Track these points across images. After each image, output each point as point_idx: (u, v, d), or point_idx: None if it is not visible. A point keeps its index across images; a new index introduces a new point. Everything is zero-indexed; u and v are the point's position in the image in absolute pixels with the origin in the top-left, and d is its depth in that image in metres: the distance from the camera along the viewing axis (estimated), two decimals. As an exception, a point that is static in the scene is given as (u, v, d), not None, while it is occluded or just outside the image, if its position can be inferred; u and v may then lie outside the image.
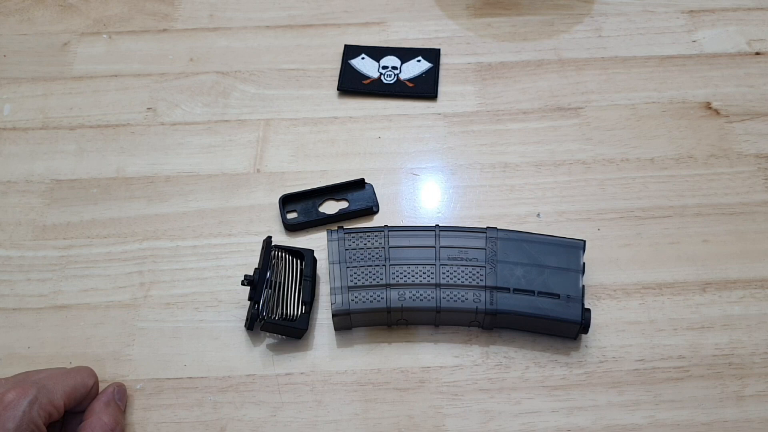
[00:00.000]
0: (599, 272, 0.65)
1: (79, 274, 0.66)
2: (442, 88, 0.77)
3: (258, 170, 0.72)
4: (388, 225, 0.63)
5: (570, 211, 0.68)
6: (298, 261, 0.64)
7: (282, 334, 0.62)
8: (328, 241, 0.63)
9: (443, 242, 0.62)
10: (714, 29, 0.80)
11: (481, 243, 0.62)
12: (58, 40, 0.82)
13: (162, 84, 0.78)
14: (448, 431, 0.58)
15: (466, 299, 0.60)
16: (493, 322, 0.61)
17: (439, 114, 0.75)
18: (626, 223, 0.67)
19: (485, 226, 0.63)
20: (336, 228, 0.64)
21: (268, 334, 0.62)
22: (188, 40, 0.81)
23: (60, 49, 0.81)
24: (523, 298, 0.60)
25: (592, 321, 0.61)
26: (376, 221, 0.68)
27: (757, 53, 0.79)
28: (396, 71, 0.78)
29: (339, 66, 0.78)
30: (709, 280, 0.64)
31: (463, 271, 0.61)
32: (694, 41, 0.80)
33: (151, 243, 0.67)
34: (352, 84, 0.77)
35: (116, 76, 0.79)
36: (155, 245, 0.67)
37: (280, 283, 0.62)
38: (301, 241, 0.67)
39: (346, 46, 0.80)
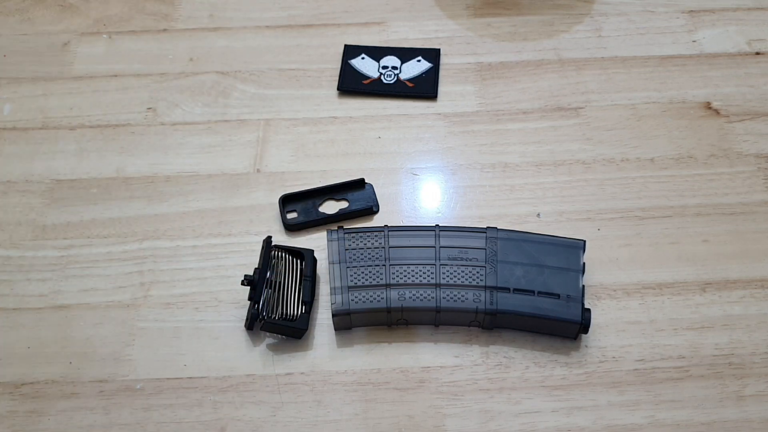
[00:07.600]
0: (599, 272, 0.65)
1: (79, 274, 0.66)
2: (442, 88, 0.77)
3: (258, 170, 0.72)
4: (388, 225, 0.63)
5: (570, 211, 0.68)
6: (298, 261, 0.64)
7: (282, 334, 0.62)
8: (328, 241, 0.63)
9: (443, 242, 0.62)
10: (714, 29, 0.80)
11: (481, 243, 0.62)
12: (58, 40, 0.82)
13: (162, 84, 0.78)
14: (448, 431, 0.58)
15: (466, 299, 0.60)
16: (493, 322, 0.61)
17: (439, 114, 0.75)
18: (626, 223, 0.67)
19: (485, 226, 0.63)
20: (336, 228, 0.63)
21: (268, 334, 0.62)
22: (188, 40, 0.81)
23: (60, 49, 0.81)
24: (523, 298, 0.60)
25: (592, 321, 0.61)
26: (376, 221, 0.68)
27: (757, 53, 0.79)
28: (396, 71, 0.78)
29: (339, 66, 0.78)
30: (709, 280, 0.64)
31: (463, 271, 0.61)
32: (694, 41, 0.80)
33: (151, 243, 0.67)
34: (352, 84, 0.77)
35: (116, 76, 0.79)
36: (155, 245, 0.67)
37: (280, 283, 0.62)
38: (301, 241, 0.67)
39: (346, 46, 0.80)
